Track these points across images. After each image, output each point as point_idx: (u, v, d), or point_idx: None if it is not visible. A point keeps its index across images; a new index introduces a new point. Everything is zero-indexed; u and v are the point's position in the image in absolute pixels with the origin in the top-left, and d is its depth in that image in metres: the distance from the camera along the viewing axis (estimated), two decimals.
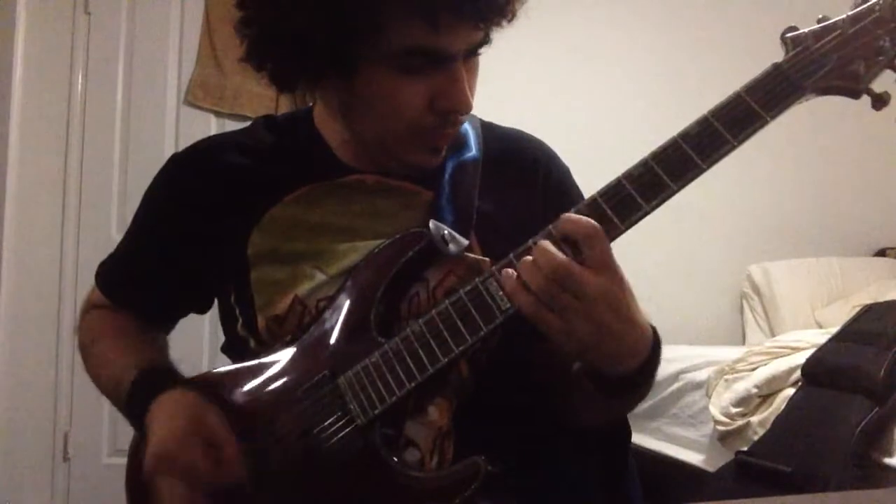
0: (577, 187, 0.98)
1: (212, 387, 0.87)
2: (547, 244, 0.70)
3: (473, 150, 0.94)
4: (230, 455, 0.80)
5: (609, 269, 0.70)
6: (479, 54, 0.84)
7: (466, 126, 0.95)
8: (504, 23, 0.82)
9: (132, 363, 0.92)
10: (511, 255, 0.74)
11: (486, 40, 0.83)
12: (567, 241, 0.71)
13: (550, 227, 0.73)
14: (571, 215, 0.72)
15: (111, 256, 1.06)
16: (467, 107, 0.82)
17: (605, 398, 0.78)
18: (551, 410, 0.89)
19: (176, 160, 0.99)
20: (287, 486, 0.82)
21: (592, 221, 0.70)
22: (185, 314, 1.07)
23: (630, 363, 0.73)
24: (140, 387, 0.89)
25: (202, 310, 1.04)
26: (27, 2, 2.82)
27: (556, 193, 0.95)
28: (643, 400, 0.84)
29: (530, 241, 0.73)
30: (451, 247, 0.84)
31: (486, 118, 1.01)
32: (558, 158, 1.00)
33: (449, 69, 0.80)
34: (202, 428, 0.81)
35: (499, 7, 0.78)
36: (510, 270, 0.72)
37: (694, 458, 2.44)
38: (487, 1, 0.77)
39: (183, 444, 0.79)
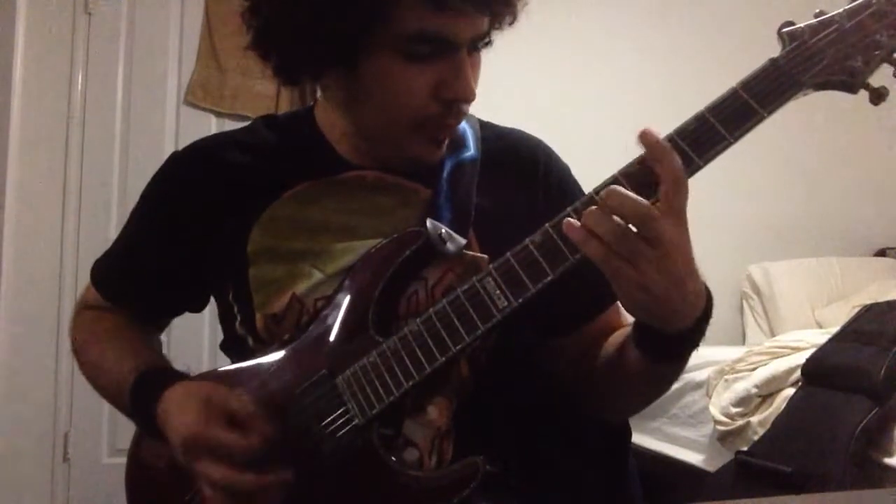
0: (577, 185, 0.98)
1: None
2: (619, 189, 0.67)
3: (472, 150, 0.94)
4: (253, 419, 0.78)
5: (684, 217, 0.67)
6: (479, 50, 0.84)
7: (465, 126, 0.95)
8: (507, 17, 0.83)
9: (130, 367, 0.91)
10: (508, 254, 0.74)
11: (488, 34, 0.83)
12: (644, 186, 0.68)
13: (617, 175, 0.70)
14: (665, 145, 0.68)
15: (107, 253, 1.05)
16: (471, 95, 0.82)
17: (651, 366, 0.77)
18: (554, 408, 0.89)
19: (176, 158, 0.99)
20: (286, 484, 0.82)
21: (680, 163, 0.67)
22: (180, 312, 1.07)
23: (689, 319, 0.71)
24: (143, 388, 0.88)
25: (198, 308, 1.04)
26: (27, 2, 2.82)
27: (557, 192, 0.95)
28: (679, 375, 0.82)
29: (527, 241, 0.73)
30: (449, 245, 0.84)
31: (485, 118, 1.01)
32: (557, 157, 1.00)
33: (454, 58, 0.80)
34: (217, 405, 0.80)
35: None
36: (572, 220, 0.69)
37: (694, 458, 2.43)
38: None
39: (206, 425, 0.78)
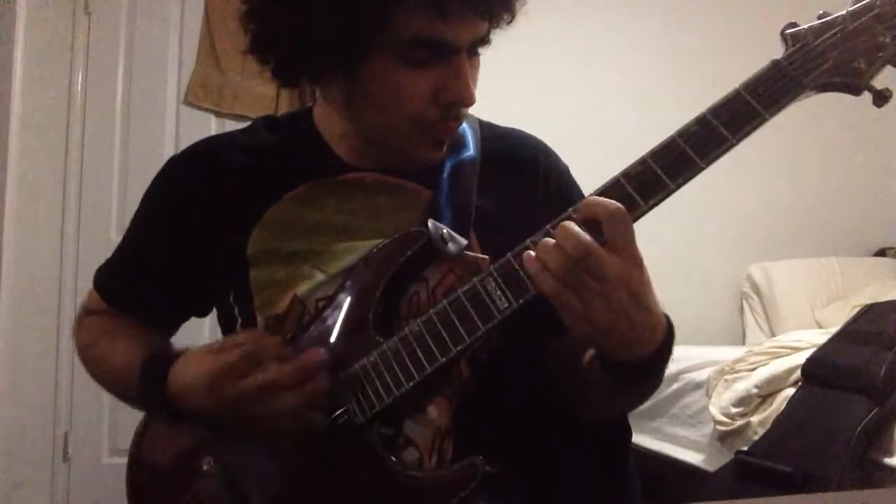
0: (576, 185, 0.98)
1: None
2: (569, 224, 0.69)
3: (472, 150, 0.94)
4: (275, 366, 0.77)
5: (631, 252, 0.69)
6: (479, 52, 0.84)
7: (465, 126, 0.95)
8: (506, 19, 0.82)
9: (137, 354, 0.90)
10: (509, 255, 0.74)
11: (487, 37, 0.83)
12: (589, 223, 0.69)
13: (571, 209, 0.72)
14: (595, 197, 0.71)
15: (109, 261, 1.04)
16: (470, 99, 0.82)
17: (616, 387, 0.78)
18: (554, 408, 0.89)
19: (175, 161, 0.99)
20: (285, 484, 0.82)
21: (616, 203, 0.69)
22: (186, 318, 1.06)
23: (643, 350, 0.72)
24: (151, 366, 0.87)
25: (203, 313, 1.04)
26: (27, 2, 2.82)
27: (556, 192, 0.95)
28: (655, 390, 0.84)
29: (528, 241, 0.73)
30: (450, 246, 0.84)
31: (485, 118, 1.01)
32: (557, 157, 1.00)
33: (453, 62, 0.80)
34: (223, 346, 0.80)
35: None
36: (531, 252, 0.71)
37: (694, 458, 2.43)
38: None
39: (221, 354, 0.79)
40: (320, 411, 0.79)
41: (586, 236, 0.67)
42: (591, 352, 0.85)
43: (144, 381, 0.87)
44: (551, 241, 0.69)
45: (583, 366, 0.86)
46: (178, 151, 1.01)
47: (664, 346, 0.75)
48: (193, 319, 1.06)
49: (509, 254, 0.74)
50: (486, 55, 0.86)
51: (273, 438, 0.81)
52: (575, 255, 0.67)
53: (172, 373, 0.84)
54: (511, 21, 0.84)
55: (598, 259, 0.67)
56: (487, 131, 0.98)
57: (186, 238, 0.94)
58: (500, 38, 0.85)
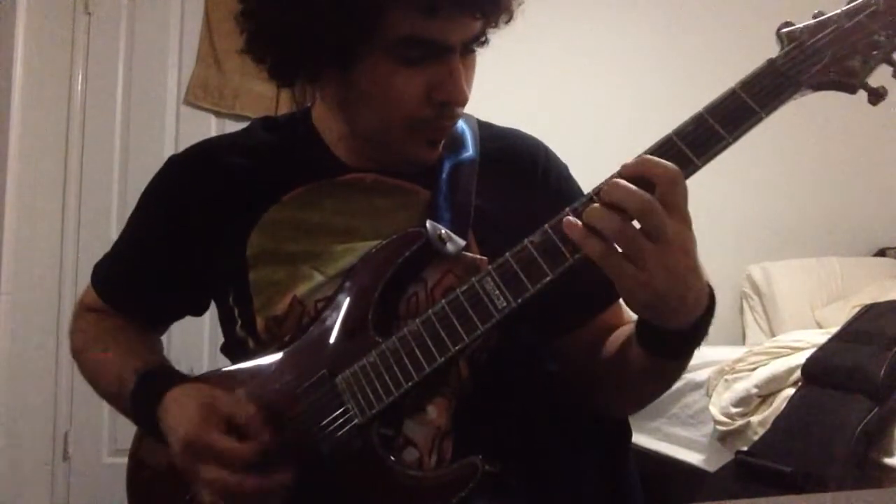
0: (576, 184, 0.98)
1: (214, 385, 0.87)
2: (624, 182, 0.66)
3: (470, 150, 0.94)
4: (252, 424, 0.79)
5: (685, 213, 0.67)
6: (474, 51, 0.84)
7: (463, 126, 0.95)
8: (501, 19, 0.82)
9: (131, 369, 0.92)
10: (507, 255, 0.74)
11: (483, 36, 0.83)
12: (640, 182, 0.67)
13: (620, 168, 0.69)
14: (650, 156, 0.68)
15: (106, 258, 1.05)
16: (464, 99, 0.82)
17: (656, 362, 0.77)
18: (554, 407, 0.89)
19: (174, 162, 0.99)
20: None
21: (672, 164, 0.67)
22: (181, 316, 1.07)
23: (691, 316, 0.70)
24: (143, 390, 0.89)
25: (198, 312, 1.04)
26: (27, 2, 2.82)
27: (556, 191, 0.95)
28: (687, 366, 0.81)
29: (526, 241, 0.73)
30: (449, 246, 0.84)
31: (484, 118, 1.01)
32: (556, 156, 1.00)
33: (446, 61, 0.80)
34: (216, 409, 0.80)
35: None
36: (572, 218, 0.69)
37: (694, 458, 2.43)
38: None
39: (205, 428, 0.78)
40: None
41: (645, 193, 0.65)
42: (621, 334, 0.85)
43: (135, 406, 0.89)
44: (597, 204, 0.67)
45: (609, 353, 0.86)
46: (178, 151, 1.01)
47: (707, 314, 0.73)
48: (194, 319, 1.07)
49: (508, 253, 0.74)
50: (484, 54, 0.86)
51: None
52: (635, 213, 0.65)
53: (162, 406, 0.84)
54: (509, 20, 0.84)
55: (659, 217, 0.65)
56: (486, 131, 0.98)
57: (184, 238, 0.94)
58: (498, 37, 0.85)
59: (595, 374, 0.89)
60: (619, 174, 0.68)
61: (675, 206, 0.66)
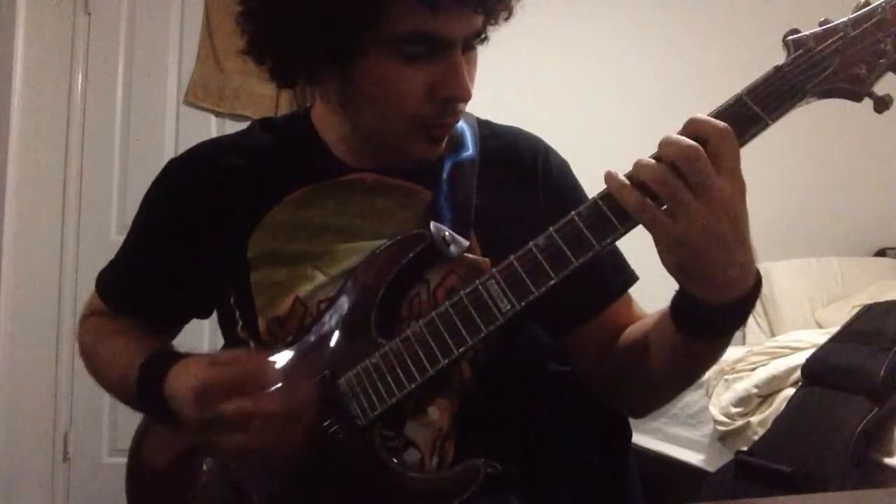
0: (577, 181, 0.98)
1: None
2: (672, 135, 0.64)
3: (470, 149, 0.93)
4: (262, 394, 0.78)
5: (738, 175, 0.65)
6: (475, 48, 0.84)
7: (463, 125, 0.94)
8: (501, 14, 0.82)
9: (138, 356, 0.91)
10: (512, 257, 0.74)
11: (483, 32, 0.83)
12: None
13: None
14: (701, 116, 0.66)
15: (111, 264, 1.04)
16: (467, 94, 0.82)
17: (688, 341, 0.73)
18: (555, 408, 0.89)
19: (174, 165, 0.99)
20: (287, 485, 0.82)
21: (726, 126, 0.65)
22: (187, 320, 1.06)
23: (733, 293, 0.67)
24: (150, 367, 0.87)
25: (205, 315, 1.04)
26: (27, 2, 2.81)
27: (557, 189, 0.95)
28: (724, 351, 0.77)
29: (531, 244, 0.73)
30: (452, 248, 0.84)
31: (484, 116, 1.01)
32: (556, 153, 0.99)
33: (448, 57, 0.80)
34: (221, 358, 0.80)
35: None
36: (612, 171, 0.67)
37: (694, 458, 2.44)
38: None
39: (214, 371, 0.78)
40: (290, 455, 0.79)
41: (692, 141, 0.63)
42: (641, 325, 0.84)
43: (141, 385, 0.88)
44: (664, 143, 0.65)
45: (624, 348, 0.85)
46: (178, 152, 1.01)
47: (749, 296, 0.69)
48: (195, 321, 1.07)
49: (512, 257, 0.74)
50: (484, 53, 0.86)
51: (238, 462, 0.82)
52: (681, 161, 0.63)
53: (168, 377, 0.83)
54: (508, 17, 0.83)
55: (704, 167, 0.63)
56: (486, 130, 0.98)
57: (186, 241, 0.94)
58: (498, 35, 0.85)
59: (609, 373, 0.89)
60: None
61: (725, 163, 0.64)
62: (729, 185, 0.64)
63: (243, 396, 0.76)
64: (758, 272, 0.70)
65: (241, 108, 2.95)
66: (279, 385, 0.78)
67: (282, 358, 0.86)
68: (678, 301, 0.73)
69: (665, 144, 0.65)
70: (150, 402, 0.87)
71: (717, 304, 0.68)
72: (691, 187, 0.63)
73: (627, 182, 0.67)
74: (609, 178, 0.68)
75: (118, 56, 2.95)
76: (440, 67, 0.80)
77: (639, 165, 0.66)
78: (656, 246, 0.66)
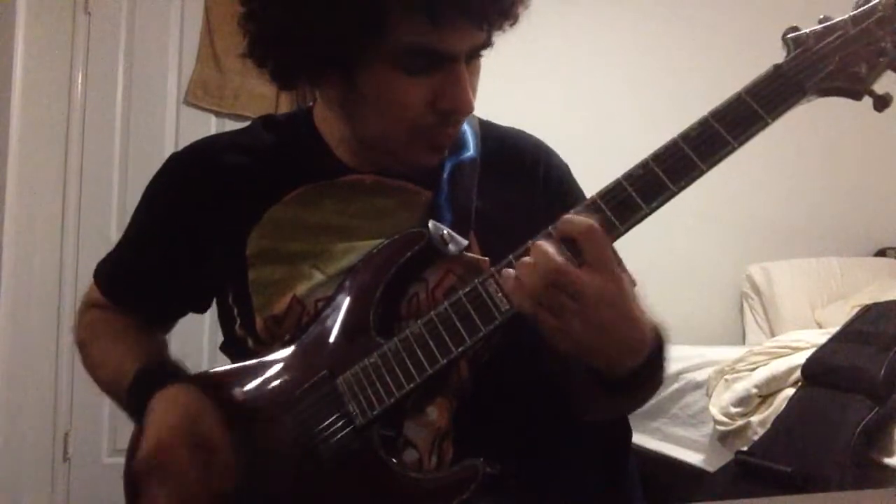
0: (577, 184, 0.98)
1: (210, 386, 0.86)
2: (544, 244, 0.69)
3: (471, 150, 0.94)
4: (221, 462, 0.80)
5: (607, 268, 0.68)
6: (480, 56, 0.84)
7: (465, 126, 0.94)
8: (506, 26, 0.82)
9: (132, 360, 0.92)
10: (511, 257, 0.74)
11: (488, 42, 0.83)
12: (567, 241, 0.69)
13: (550, 227, 0.72)
14: (570, 215, 0.71)
15: (110, 255, 1.05)
16: (469, 108, 0.82)
17: (609, 396, 0.77)
18: (555, 408, 0.89)
19: (175, 159, 0.99)
20: (285, 486, 0.82)
21: (590, 220, 0.69)
22: (184, 314, 1.07)
23: (630, 362, 0.72)
24: (139, 383, 0.89)
25: (201, 309, 1.04)
26: (27, 2, 2.82)
27: (557, 191, 0.95)
28: (654, 393, 0.83)
29: (530, 242, 0.73)
30: (451, 247, 0.84)
31: (485, 117, 1.01)
32: (557, 156, 1.00)
33: (451, 70, 0.80)
34: (196, 428, 0.81)
35: (502, 8, 0.79)
36: (510, 270, 0.71)
37: (694, 458, 2.44)
38: (492, 1, 0.77)
39: (174, 445, 0.79)
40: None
41: (558, 257, 0.68)
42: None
43: (130, 402, 0.90)
44: (529, 260, 0.69)
45: (576, 373, 0.87)
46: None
47: (654, 356, 0.74)
48: (194, 318, 1.07)
49: (511, 255, 0.74)
50: (485, 54, 0.85)
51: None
52: (549, 277, 0.67)
53: (150, 404, 0.85)
54: (514, 24, 0.83)
55: (571, 279, 0.67)
56: (487, 131, 0.98)
57: (184, 236, 0.95)
58: (499, 37, 0.85)
59: (576, 384, 0.89)
60: (547, 233, 0.71)
61: (598, 260, 0.68)
62: (598, 278, 0.68)
63: (166, 490, 0.79)
64: (658, 335, 0.75)
65: (241, 108, 2.95)
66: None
67: (279, 358, 0.86)
68: (587, 368, 0.76)
69: (535, 255, 0.69)
70: (137, 418, 0.90)
71: (622, 371, 0.72)
72: (566, 294, 0.67)
73: (519, 286, 0.69)
74: (506, 276, 0.71)
75: (118, 56, 2.96)
76: (442, 80, 0.80)
77: (522, 269, 0.69)
78: (545, 338, 0.70)
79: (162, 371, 0.89)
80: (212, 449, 0.80)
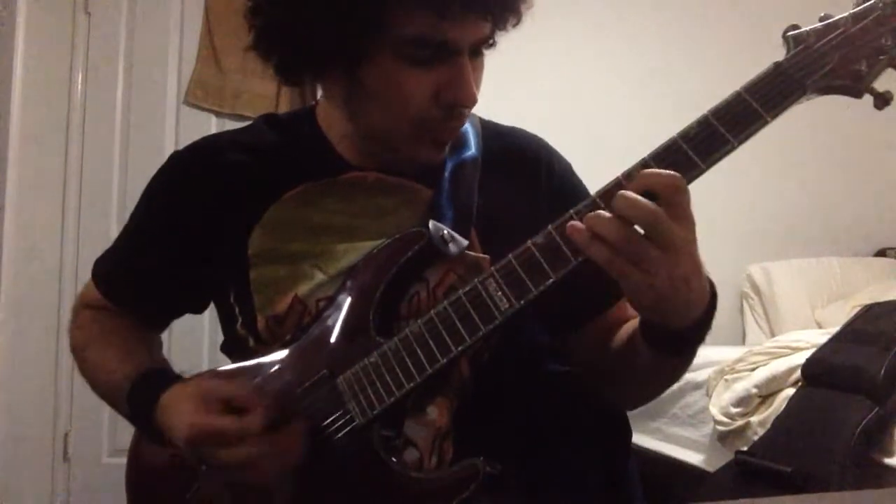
0: (580, 182, 0.98)
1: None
2: (630, 194, 0.67)
3: (473, 149, 0.94)
4: (250, 398, 0.79)
5: (690, 219, 0.68)
6: (483, 53, 0.84)
7: (466, 124, 0.94)
8: (510, 21, 0.82)
9: (126, 372, 0.92)
10: (510, 256, 0.74)
11: (491, 39, 0.83)
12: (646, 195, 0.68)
13: (620, 178, 0.70)
14: (652, 170, 0.69)
15: (108, 254, 1.05)
16: (472, 100, 0.82)
17: (662, 358, 0.78)
18: (555, 408, 0.89)
19: (177, 157, 0.99)
20: (285, 485, 0.82)
21: (674, 173, 0.67)
22: (181, 314, 1.06)
23: (695, 314, 0.72)
24: (140, 391, 0.89)
25: (198, 310, 1.04)
26: (27, 2, 2.82)
27: (558, 190, 0.95)
28: (690, 363, 0.83)
29: (529, 242, 0.73)
30: (451, 246, 0.84)
31: (487, 117, 1.01)
32: (559, 155, 1.00)
33: (455, 62, 0.80)
34: (212, 395, 0.80)
35: (506, 1, 0.79)
36: (577, 223, 0.69)
37: (694, 458, 2.43)
38: None
39: (205, 415, 0.78)
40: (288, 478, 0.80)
41: (654, 205, 0.66)
42: (627, 328, 0.86)
43: (132, 408, 0.89)
44: (605, 213, 0.68)
45: (617, 347, 0.87)
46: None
47: (709, 310, 0.74)
48: (195, 318, 1.07)
49: (510, 255, 0.74)
50: (487, 53, 0.86)
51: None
52: (643, 223, 0.66)
53: (159, 408, 0.85)
54: (517, 23, 0.84)
55: (666, 226, 0.66)
56: (489, 130, 0.98)
57: (185, 234, 0.95)
58: (501, 36, 0.85)
59: (604, 369, 0.90)
60: (624, 187, 0.69)
61: (681, 213, 0.67)
62: (685, 230, 0.68)
63: (234, 445, 0.76)
64: (710, 283, 0.74)
65: (241, 108, 2.95)
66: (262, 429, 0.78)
67: (280, 357, 0.86)
68: (645, 328, 0.77)
69: (624, 206, 0.67)
70: (140, 425, 0.90)
71: (682, 326, 0.72)
72: (655, 243, 0.66)
73: (592, 236, 0.68)
74: (574, 231, 0.69)
75: (118, 56, 2.96)
76: (446, 72, 0.80)
77: (601, 224, 0.67)
78: (625, 291, 0.69)
79: (158, 377, 0.90)
80: (236, 402, 0.79)
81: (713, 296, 0.74)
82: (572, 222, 0.70)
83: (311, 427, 0.81)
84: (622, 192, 0.68)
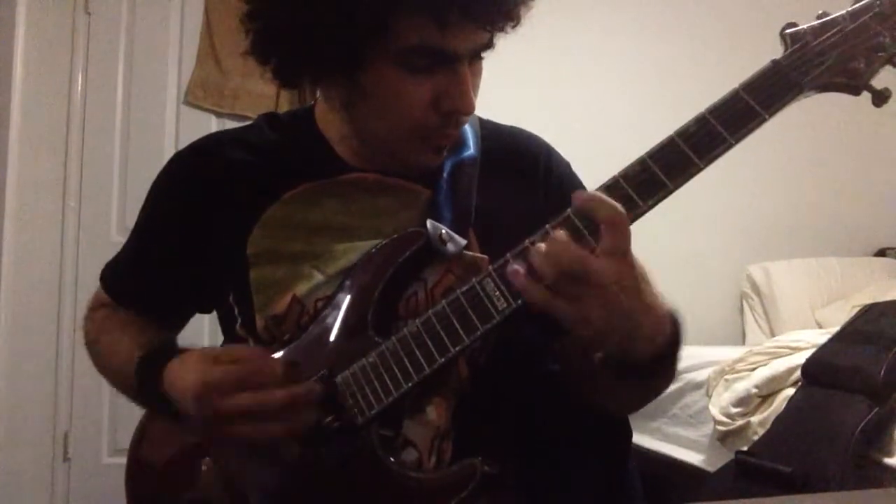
0: (578, 180, 0.98)
1: None
2: (560, 234, 0.69)
3: (472, 149, 0.94)
4: (258, 353, 0.80)
5: (624, 254, 0.68)
6: (483, 58, 0.84)
7: (465, 125, 0.94)
8: (509, 28, 0.82)
9: (139, 348, 0.92)
10: (508, 255, 0.74)
11: (490, 43, 0.83)
12: (584, 220, 0.69)
13: (569, 210, 0.71)
14: (597, 193, 0.70)
15: (116, 258, 1.05)
16: (470, 108, 0.82)
17: (623, 385, 0.78)
18: (554, 408, 0.89)
19: (178, 159, 0.99)
20: (284, 484, 0.82)
21: (617, 206, 0.68)
22: (191, 314, 1.06)
23: (647, 347, 0.72)
24: (148, 361, 0.88)
25: (207, 309, 1.04)
26: (27, 2, 2.82)
27: (558, 190, 0.95)
28: (667, 386, 0.83)
29: (527, 242, 0.73)
30: (449, 246, 0.84)
31: (485, 116, 1.01)
32: (558, 154, 1.00)
33: (454, 70, 0.80)
34: (220, 351, 0.81)
35: (506, 10, 0.79)
36: (516, 267, 0.70)
37: (694, 458, 2.44)
38: (496, 2, 0.77)
39: (214, 367, 0.78)
40: (297, 445, 0.79)
41: (578, 249, 0.67)
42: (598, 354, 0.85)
43: (139, 378, 0.88)
44: (542, 247, 0.68)
45: (592, 363, 0.87)
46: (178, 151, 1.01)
47: (671, 342, 0.74)
48: (194, 318, 1.07)
49: (508, 254, 0.73)
50: (486, 55, 0.86)
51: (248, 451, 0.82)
52: (569, 266, 0.67)
53: (167, 372, 0.84)
54: (516, 26, 0.83)
55: (591, 269, 0.66)
56: (487, 130, 0.98)
57: (187, 235, 0.95)
58: (500, 37, 0.85)
59: (591, 375, 0.89)
60: (568, 215, 0.71)
61: (616, 249, 0.67)
62: (620, 265, 0.67)
63: (243, 394, 0.76)
64: (674, 319, 0.75)
65: (241, 109, 2.95)
66: (280, 380, 0.77)
67: (279, 357, 0.86)
68: (604, 356, 0.76)
69: (549, 245, 0.68)
70: (147, 395, 0.88)
71: (635, 359, 0.72)
72: (584, 282, 0.67)
73: (530, 280, 0.69)
74: (513, 274, 0.70)
75: (118, 56, 2.96)
76: (445, 80, 0.80)
77: (536, 261, 0.68)
78: (565, 327, 0.70)
79: (168, 348, 0.89)
80: (247, 383, 0.78)
81: (675, 325, 0.75)
82: (512, 266, 0.71)
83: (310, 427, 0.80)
84: (551, 236, 0.69)
